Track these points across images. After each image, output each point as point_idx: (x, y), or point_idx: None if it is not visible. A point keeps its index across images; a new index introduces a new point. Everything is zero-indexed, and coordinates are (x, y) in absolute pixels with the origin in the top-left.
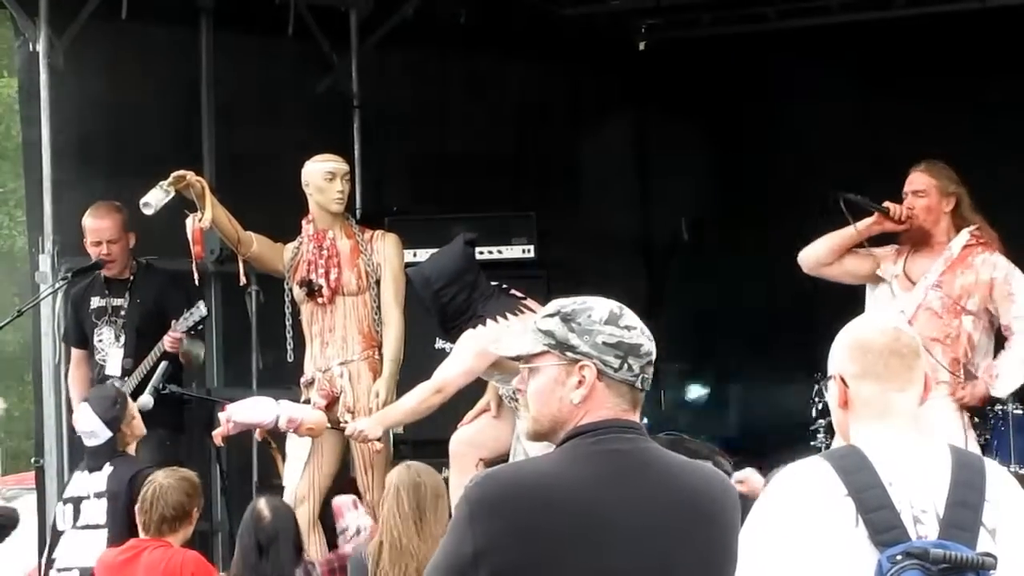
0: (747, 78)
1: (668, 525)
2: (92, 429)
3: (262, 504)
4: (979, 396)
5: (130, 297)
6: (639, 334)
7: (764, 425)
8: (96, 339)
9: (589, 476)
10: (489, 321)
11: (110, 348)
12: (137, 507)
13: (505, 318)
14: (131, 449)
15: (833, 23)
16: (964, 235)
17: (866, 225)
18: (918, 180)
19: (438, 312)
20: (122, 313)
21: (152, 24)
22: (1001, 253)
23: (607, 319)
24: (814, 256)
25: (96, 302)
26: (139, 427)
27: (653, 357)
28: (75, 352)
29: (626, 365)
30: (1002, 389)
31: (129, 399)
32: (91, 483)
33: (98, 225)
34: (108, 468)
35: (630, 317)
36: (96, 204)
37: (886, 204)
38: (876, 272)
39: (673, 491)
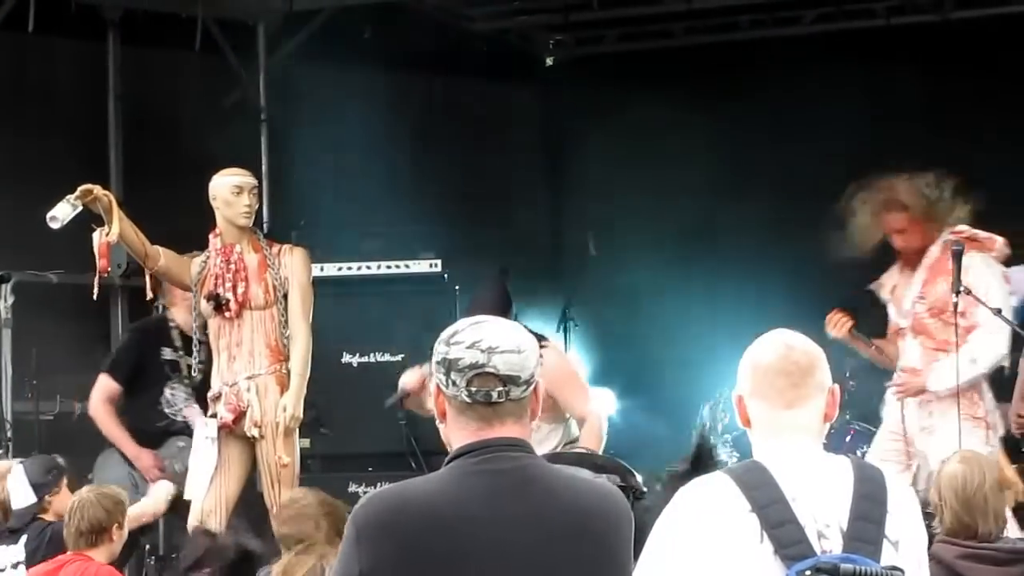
0: (654, 94)
1: (553, 543)
2: (18, 490)
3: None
4: (915, 388)
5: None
6: (462, 348)
7: (668, 440)
8: (167, 392)
9: (472, 496)
10: None
11: (187, 407)
12: None
13: None
14: (50, 518)
15: (740, 40)
16: (942, 239)
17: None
18: (895, 222)
19: None
20: (193, 373)
21: (59, 37)
22: (990, 253)
23: (445, 338)
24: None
25: (169, 354)
26: (64, 503)
27: (486, 369)
28: (113, 386)
29: (450, 381)
30: (933, 385)
31: (64, 474)
32: (7, 556)
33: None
34: (23, 538)
35: (473, 332)
36: None
37: (873, 348)
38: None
39: (558, 509)
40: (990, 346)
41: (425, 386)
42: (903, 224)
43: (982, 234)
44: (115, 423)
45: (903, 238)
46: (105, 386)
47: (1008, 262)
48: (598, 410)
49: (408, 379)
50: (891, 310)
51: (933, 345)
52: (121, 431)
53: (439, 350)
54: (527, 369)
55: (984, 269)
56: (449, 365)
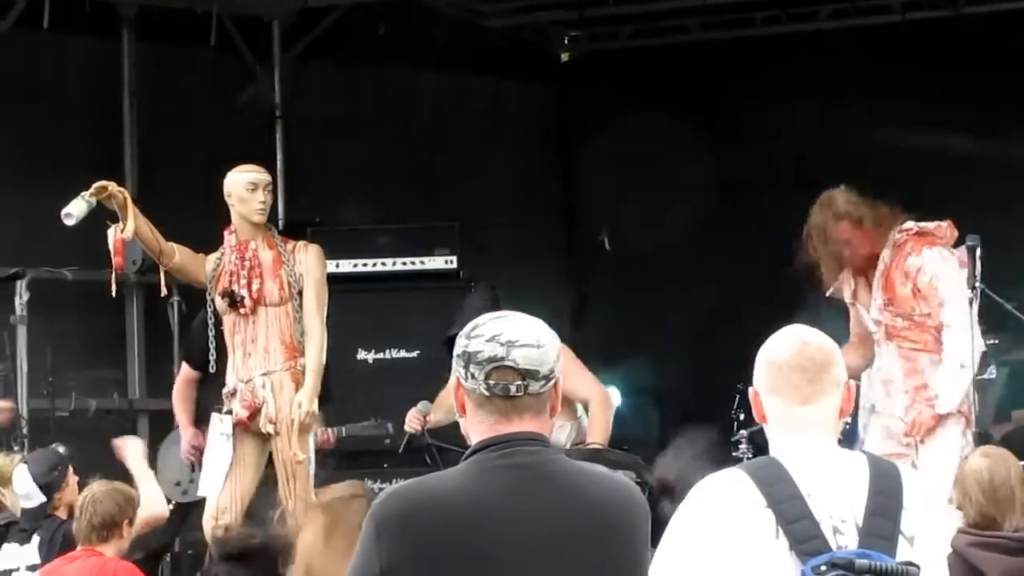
0: (669, 89)
1: (573, 539)
2: (26, 492)
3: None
4: (927, 424)
5: None
6: (482, 341)
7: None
8: None
9: (492, 491)
10: None
11: None
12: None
13: None
14: (62, 513)
15: (755, 35)
16: (891, 240)
17: None
18: (841, 232)
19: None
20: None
21: (73, 34)
22: (943, 243)
23: (466, 331)
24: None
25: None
26: (73, 494)
27: (505, 363)
28: (188, 371)
29: (469, 374)
30: (944, 408)
31: (68, 465)
32: (22, 556)
33: None
34: (36, 539)
35: (493, 326)
36: None
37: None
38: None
39: (578, 504)
40: (969, 343)
41: (427, 422)
42: (848, 233)
43: (929, 226)
44: (181, 400)
45: (850, 248)
46: (184, 370)
47: (956, 243)
48: (602, 393)
49: (410, 423)
50: (854, 313)
51: (910, 346)
52: (183, 408)
53: (460, 343)
54: (546, 364)
55: (941, 265)
56: (469, 358)
